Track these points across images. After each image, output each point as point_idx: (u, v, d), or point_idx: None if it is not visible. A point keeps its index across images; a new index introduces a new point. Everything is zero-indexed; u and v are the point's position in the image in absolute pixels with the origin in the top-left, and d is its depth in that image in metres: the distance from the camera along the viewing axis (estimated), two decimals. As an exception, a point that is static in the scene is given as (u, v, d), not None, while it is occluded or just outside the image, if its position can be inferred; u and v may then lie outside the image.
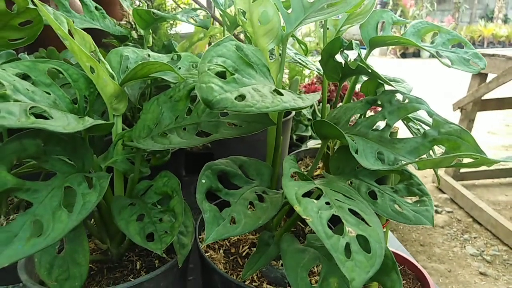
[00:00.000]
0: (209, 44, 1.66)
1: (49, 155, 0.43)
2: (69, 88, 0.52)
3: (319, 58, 0.62)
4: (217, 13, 1.06)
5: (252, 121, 0.49)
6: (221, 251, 0.59)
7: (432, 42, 0.69)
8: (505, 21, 11.11)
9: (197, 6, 1.10)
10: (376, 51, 0.79)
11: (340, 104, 0.93)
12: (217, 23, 1.18)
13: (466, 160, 0.40)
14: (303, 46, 0.89)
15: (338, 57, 0.62)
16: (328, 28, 0.70)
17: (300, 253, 0.44)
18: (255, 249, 0.51)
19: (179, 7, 1.48)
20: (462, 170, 2.29)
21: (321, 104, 0.80)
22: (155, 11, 0.73)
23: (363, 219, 0.37)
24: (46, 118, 0.37)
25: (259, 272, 0.55)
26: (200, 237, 0.60)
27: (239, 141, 0.86)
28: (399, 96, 0.50)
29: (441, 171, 2.40)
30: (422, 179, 2.50)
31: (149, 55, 0.61)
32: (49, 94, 0.43)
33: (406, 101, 0.48)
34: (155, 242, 0.44)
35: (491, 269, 1.61)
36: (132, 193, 0.53)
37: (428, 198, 0.46)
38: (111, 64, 0.55)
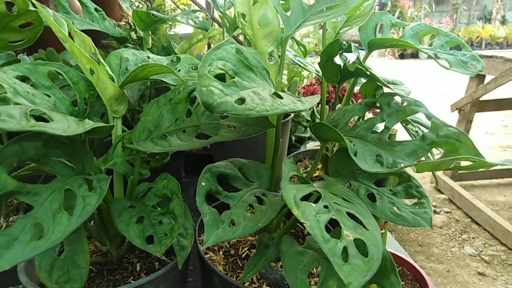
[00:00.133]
0: (208, 45, 1.66)
1: (49, 158, 0.43)
2: (69, 89, 0.52)
3: (318, 59, 0.62)
4: (216, 14, 1.07)
5: (251, 123, 0.49)
6: (221, 252, 0.59)
7: (430, 44, 0.69)
8: (503, 22, 11.15)
9: (196, 7, 1.11)
10: (375, 52, 0.79)
11: (339, 105, 0.93)
12: (216, 25, 1.18)
13: (464, 163, 0.41)
14: (302, 48, 0.89)
15: (337, 59, 0.62)
16: (327, 30, 0.70)
17: (299, 255, 0.44)
18: (254, 250, 0.51)
19: (178, 8, 1.48)
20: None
21: (320, 105, 0.80)
22: (155, 13, 0.73)
23: (361, 223, 0.37)
24: (46, 120, 0.38)
25: (259, 273, 0.55)
26: (199, 238, 0.60)
27: (238, 142, 0.86)
28: (397, 99, 0.50)
29: (439, 172, 2.40)
30: (421, 179, 2.51)
31: (148, 57, 0.61)
32: (49, 96, 0.43)
33: (405, 104, 0.48)
34: (155, 245, 0.44)
35: (490, 269, 1.61)
36: (132, 195, 0.53)
37: (427, 200, 0.46)
38: (111, 66, 0.55)
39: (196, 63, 0.63)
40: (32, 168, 0.56)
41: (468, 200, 2.02)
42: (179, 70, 0.62)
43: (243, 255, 0.59)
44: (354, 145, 0.46)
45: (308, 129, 1.20)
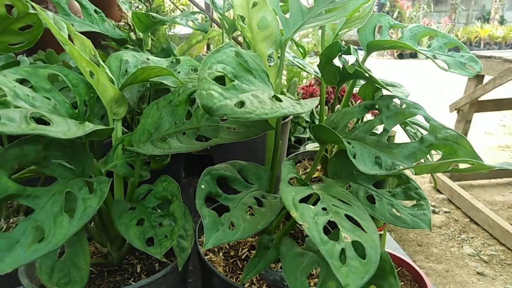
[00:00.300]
0: (208, 45, 1.66)
1: (50, 161, 0.43)
2: (68, 91, 0.52)
3: (317, 59, 0.62)
4: (216, 15, 1.07)
5: (251, 125, 0.50)
6: (221, 254, 0.59)
7: (429, 46, 0.70)
8: (501, 22, 11.17)
9: (196, 9, 1.11)
10: (374, 52, 0.80)
11: (338, 106, 0.94)
12: (215, 26, 1.18)
13: (462, 165, 0.41)
14: (301, 49, 0.90)
15: (336, 61, 0.62)
16: (326, 32, 0.70)
17: (299, 257, 0.44)
18: (254, 251, 0.51)
19: (178, 8, 1.48)
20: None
21: (319, 106, 0.81)
22: (154, 14, 0.73)
23: (359, 225, 0.38)
24: (46, 123, 0.38)
25: (258, 274, 0.55)
26: (199, 240, 0.60)
27: (238, 143, 0.86)
28: (396, 101, 0.50)
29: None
30: (420, 179, 2.51)
31: (148, 59, 0.61)
32: (49, 99, 0.43)
33: (404, 106, 0.48)
34: (155, 247, 0.44)
35: (489, 269, 1.62)
36: (132, 197, 0.53)
37: (426, 202, 0.47)
38: (110, 68, 0.55)
39: (195, 65, 0.64)
40: (33, 170, 0.56)
41: (467, 200, 2.02)
42: (179, 72, 0.62)
43: (243, 256, 0.59)
44: (353, 147, 0.46)
45: (308, 130, 1.20)
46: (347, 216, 0.38)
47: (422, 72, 6.56)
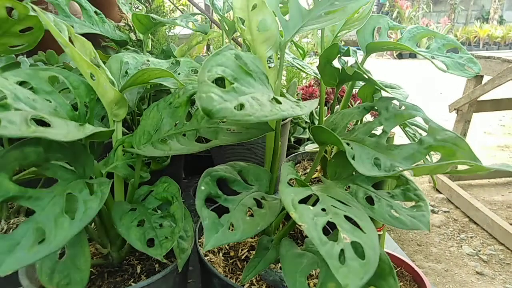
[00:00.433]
0: (207, 46, 1.66)
1: (50, 162, 0.43)
2: (69, 92, 0.52)
3: (317, 59, 0.62)
4: (216, 16, 1.07)
5: (250, 127, 0.50)
6: (221, 254, 0.60)
7: (427, 47, 0.70)
8: (501, 22, 11.17)
9: (195, 10, 1.11)
10: (373, 53, 0.80)
11: (338, 107, 0.94)
12: (215, 27, 1.18)
13: (461, 167, 0.41)
14: (300, 50, 0.90)
15: (336, 62, 0.63)
16: (325, 34, 0.71)
17: (298, 258, 0.44)
18: (254, 252, 0.52)
19: (178, 9, 1.49)
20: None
21: (318, 107, 0.81)
22: (154, 16, 0.73)
23: (358, 226, 0.38)
24: (47, 124, 0.38)
25: (258, 275, 0.55)
26: (199, 240, 0.60)
27: (237, 144, 0.87)
28: (395, 103, 0.50)
29: (437, 172, 2.40)
30: (419, 179, 2.51)
31: (148, 61, 0.61)
32: (50, 101, 0.43)
33: (403, 108, 0.48)
34: (156, 248, 0.45)
35: (488, 269, 1.62)
36: (132, 198, 0.53)
37: (424, 203, 0.47)
38: (111, 70, 0.55)
39: (195, 66, 0.64)
40: (33, 172, 0.56)
41: (466, 199, 2.03)
42: (179, 74, 0.62)
43: (243, 257, 0.60)
44: (352, 148, 0.47)
45: (307, 130, 1.20)
46: (346, 217, 0.39)
47: (422, 72, 6.56)
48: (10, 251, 0.35)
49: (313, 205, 0.39)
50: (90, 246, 0.58)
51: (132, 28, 1.13)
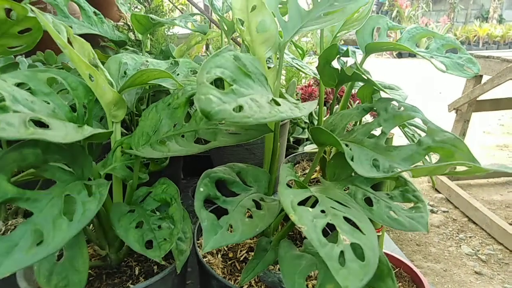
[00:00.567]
0: (206, 45, 1.65)
1: (49, 164, 0.43)
2: (67, 93, 0.52)
3: (316, 58, 0.62)
4: (215, 16, 1.07)
5: (249, 128, 0.50)
6: (219, 255, 0.60)
7: (427, 48, 0.70)
8: (500, 21, 11.18)
9: (195, 10, 1.11)
10: (372, 53, 0.80)
11: (337, 107, 0.94)
12: (214, 26, 1.18)
13: (460, 168, 0.41)
14: (299, 50, 0.90)
15: (335, 63, 0.62)
16: (324, 34, 0.70)
17: (297, 260, 0.44)
18: (253, 253, 0.52)
19: (177, 8, 1.48)
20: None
21: (318, 107, 0.81)
22: (153, 16, 0.73)
23: (357, 227, 0.38)
24: (45, 125, 0.38)
25: (257, 276, 0.55)
26: (198, 241, 0.60)
27: (236, 144, 0.86)
28: (394, 104, 0.50)
29: (436, 171, 2.40)
30: (418, 179, 2.51)
31: (147, 61, 0.61)
32: (48, 103, 0.43)
33: (402, 109, 0.48)
34: (154, 250, 0.45)
35: (486, 268, 1.62)
36: (131, 200, 0.53)
37: (423, 204, 0.47)
38: (109, 71, 0.55)
39: (194, 67, 0.64)
40: (31, 173, 0.56)
41: (465, 199, 2.03)
42: (178, 74, 0.62)
43: (241, 258, 0.60)
44: (351, 149, 0.46)
45: (306, 130, 1.20)
46: (345, 218, 0.39)
47: (421, 72, 6.56)
48: (8, 252, 0.35)
49: (312, 206, 0.39)
50: (88, 248, 0.58)
51: (131, 27, 1.13)
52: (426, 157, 0.49)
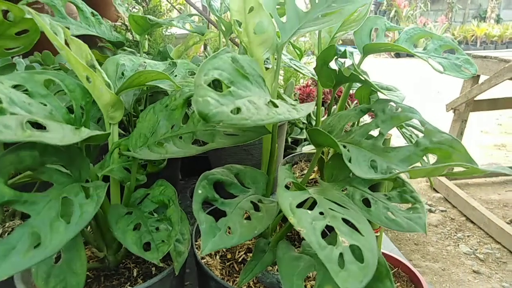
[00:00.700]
0: (204, 45, 1.65)
1: (46, 166, 0.43)
2: (64, 94, 0.52)
3: (314, 58, 0.62)
4: (213, 16, 1.07)
5: (247, 129, 0.50)
6: (217, 257, 0.60)
7: (424, 48, 0.70)
8: (498, 21, 11.21)
9: (193, 10, 1.11)
10: (370, 54, 0.80)
11: (335, 107, 0.94)
12: (212, 26, 1.18)
13: (457, 169, 0.41)
14: (297, 51, 0.90)
15: (333, 64, 0.63)
16: (322, 35, 0.71)
17: (295, 261, 0.44)
18: (251, 254, 0.52)
19: (175, 8, 1.48)
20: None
21: (316, 107, 0.81)
22: (151, 17, 0.73)
23: (356, 228, 0.38)
24: (42, 127, 0.38)
25: (255, 277, 0.55)
26: (196, 243, 0.60)
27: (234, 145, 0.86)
28: (392, 105, 0.50)
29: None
30: (417, 178, 2.52)
31: (145, 62, 0.61)
32: (45, 105, 0.43)
33: (399, 110, 0.48)
34: (152, 252, 0.45)
35: (484, 267, 1.63)
36: (128, 202, 0.53)
37: (421, 205, 0.47)
38: (107, 72, 0.55)
39: (192, 68, 0.64)
40: (28, 175, 0.56)
41: (463, 198, 2.03)
42: (176, 76, 0.62)
43: (240, 259, 0.60)
44: (348, 151, 0.46)
45: (304, 130, 1.20)
46: (344, 219, 0.39)
47: (419, 72, 6.57)
48: (5, 256, 0.35)
49: (311, 207, 0.39)
50: (86, 250, 0.58)
51: (129, 28, 1.13)
52: (424, 157, 0.50)
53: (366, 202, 0.47)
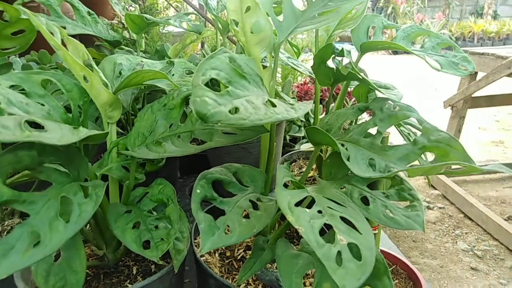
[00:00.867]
0: (202, 44, 1.65)
1: (44, 165, 0.43)
2: (62, 94, 0.52)
3: (311, 56, 0.62)
4: (210, 15, 1.06)
5: (245, 129, 0.50)
6: (217, 254, 0.60)
7: (422, 46, 0.70)
8: (495, 17, 11.21)
9: (189, 8, 1.10)
10: (368, 52, 0.80)
11: (333, 105, 0.94)
12: (210, 25, 1.18)
13: (455, 167, 0.42)
14: (295, 49, 0.90)
15: (330, 62, 0.63)
16: (319, 33, 0.71)
17: (294, 259, 0.45)
18: (250, 252, 0.52)
19: (171, 6, 1.48)
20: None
21: (314, 105, 0.81)
22: (148, 16, 0.73)
23: (354, 227, 0.38)
24: (41, 127, 0.38)
25: (254, 275, 0.56)
26: (195, 241, 0.61)
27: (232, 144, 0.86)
28: (390, 103, 0.50)
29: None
30: (415, 176, 2.53)
31: (142, 61, 0.61)
32: (43, 105, 0.43)
33: (397, 108, 0.49)
34: (151, 250, 0.45)
35: (482, 264, 1.64)
36: (127, 200, 0.53)
37: (419, 203, 0.47)
38: (104, 71, 0.55)
39: (190, 67, 0.64)
40: (27, 175, 0.56)
41: (461, 195, 2.04)
42: (173, 75, 0.62)
43: (239, 257, 0.60)
44: (347, 149, 0.47)
45: (303, 128, 1.20)
46: (342, 218, 0.39)
47: (417, 68, 6.58)
48: (5, 255, 0.35)
49: (309, 205, 0.39)
50: (86, 248, 0.58)
51: (126, 26, 1.12)
52: (422, 155, 0.50)
53: (365, 200, 0.48)
